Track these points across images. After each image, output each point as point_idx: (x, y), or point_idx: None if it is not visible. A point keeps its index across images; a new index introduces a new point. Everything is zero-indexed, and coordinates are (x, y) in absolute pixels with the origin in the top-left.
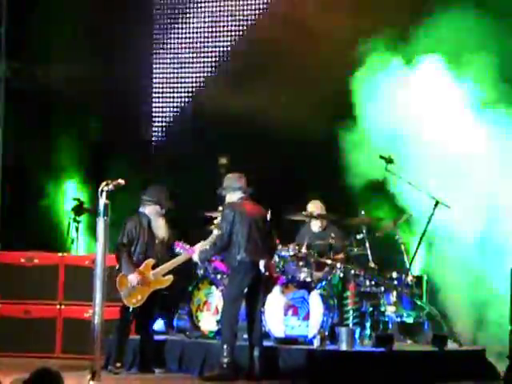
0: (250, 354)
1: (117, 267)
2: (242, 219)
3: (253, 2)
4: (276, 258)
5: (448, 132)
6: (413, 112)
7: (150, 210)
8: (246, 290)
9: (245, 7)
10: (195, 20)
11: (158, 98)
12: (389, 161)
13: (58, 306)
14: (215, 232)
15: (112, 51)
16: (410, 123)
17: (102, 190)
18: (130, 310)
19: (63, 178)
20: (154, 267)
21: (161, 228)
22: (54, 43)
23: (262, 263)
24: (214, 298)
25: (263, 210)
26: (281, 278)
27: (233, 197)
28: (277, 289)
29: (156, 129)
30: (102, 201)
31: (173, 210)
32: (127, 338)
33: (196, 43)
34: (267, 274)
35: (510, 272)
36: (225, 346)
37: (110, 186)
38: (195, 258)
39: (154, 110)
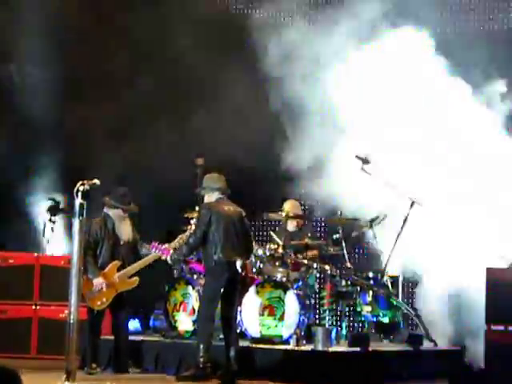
0: (226, 354)
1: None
2: (218, 219)
3: None
4: (252, 258)
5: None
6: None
7: (113, 212)
8: (222, 290)
9: None
10: None
11: None
12: (365, 161)
13: (34, 307)
14: (149, 256)
15: None
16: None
17: (78, 190)
18: (95, 312)
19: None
20: (119, 269)
21: (125, 230)
22: None
23: (238, 263)
24: (191, 299)
25: (240, 211)
26: (257, 279)
27: (211, 197)
28: (252, 289)
29: None
30: (78, 201)
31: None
32: (99, 339)
33: None
34: (243, 274)
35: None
36: (201, 346)
37: (86, 186)
38: (168, 258)
39: None
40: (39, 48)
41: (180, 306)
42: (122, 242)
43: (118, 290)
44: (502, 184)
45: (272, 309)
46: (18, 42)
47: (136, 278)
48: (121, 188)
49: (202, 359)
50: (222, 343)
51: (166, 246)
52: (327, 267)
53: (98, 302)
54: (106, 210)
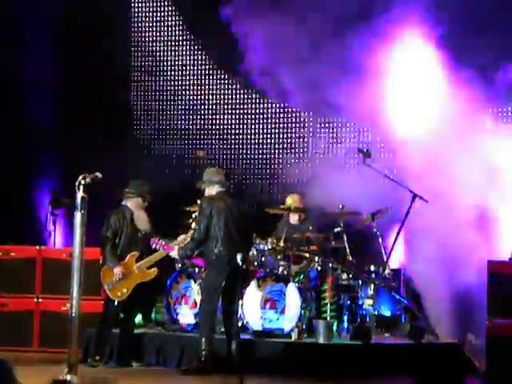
0: (227, 347)
1: (101, 261)
2: (219, 213)
3: None
4: (254, 252)
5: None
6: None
7: (131, 203)
8: (223, 284)
9: None
10: None
11: None
12: (367, 154)
13: (36, 300)
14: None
15: None
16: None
17: (80, 184)
18: (115, 303)
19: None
20: (137, 260)
21: (143, 221)
22: None
23: (239, 257)
24: (192, 292)
25: (241, 204)
26: (258, 272)
27: (212, 190)
28: (254, 282)
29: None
30: (80, 194)
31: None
32: (110, 332)
33: None
34: (244, 267)
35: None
36: (203, 340)
37: (87, 180)
38: (174, 254)
39: None
40: None
41: (182, 299)
42: (140, 234)
43: (138, 281)
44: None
45: (273, 302)
46: None
47: (155, 269)
48: (138, 180)
49: (203, 352)
50: (224, 336)
51: (167, 241)
52: (329, 261)
53: (119, 293)
54: (124, 201)
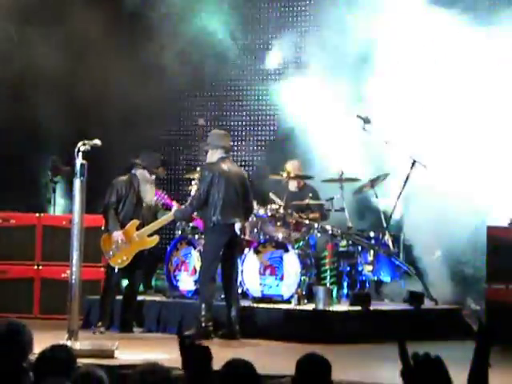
0: (227, 314)
1: (103, 228)
2: (219, 180)
3: None
4: (253, 219)
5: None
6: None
7: (139, 173)
8: (222, 252)
9: None
10: None
11: None
12: (366, 121)
13: (36, 267)
14: (167, 215)
15: None
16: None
17: (79, 150)
18: (116, 270)
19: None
20: (138, 228)
21: (148, 193)
22: None
23: (237, 226)
24: (192, 259)
25: (242, 171)
26: (253, 242)
27: (214, 154)
28: (253, 249)
29: None
30: (79, 161)
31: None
32: (113, 299)
33: None
34: (242, 236)
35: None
36: (202, 306)
37: (87, 146)
38: (171, 213)
39: None
40: None
41: (181, 265)
42: (144, 204)
43: (138, 249)
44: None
45: (273, 268)
46: None
47: (156, 237)
48: (152, 152)
49: (203, 318)
50: (223, 303)
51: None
52: (328, 227)
53: (119, 260)
54: (133, 170)
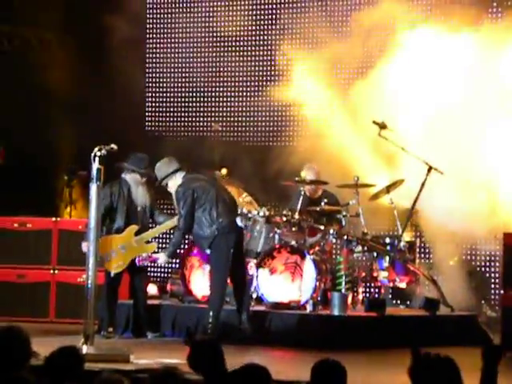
0: (238, 319)
1: None
2: (204, 191)
3: None
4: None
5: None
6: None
7: (130, 177)
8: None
9: None
10: None
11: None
12: (382, 126)
13: (52, 271)
14: (168, 222)
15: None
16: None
17: (95, 155)
18: (112, 275)
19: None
20: (136, 234)
21: (140, 195)
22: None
23: (238, 219)
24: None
25: (213, 172)
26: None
27: (177, 179)
28: (267, 256)
29: None
30: (95, 166)
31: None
32: (116, 303)
33: None
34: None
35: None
36: (210, 313)
37: (103, 151)
38: (162, 261)
39: None
40: None
41: (197, 270)
42: (139, 208)
43: (136, 254)
44: None
45: (288, 274)
46: None
47: (154, 244)
48: (138, 154)
49: (209, 326)
50: (234, 307)
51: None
52: (344, 233)
53: (115, 265)
54: (123, 174)
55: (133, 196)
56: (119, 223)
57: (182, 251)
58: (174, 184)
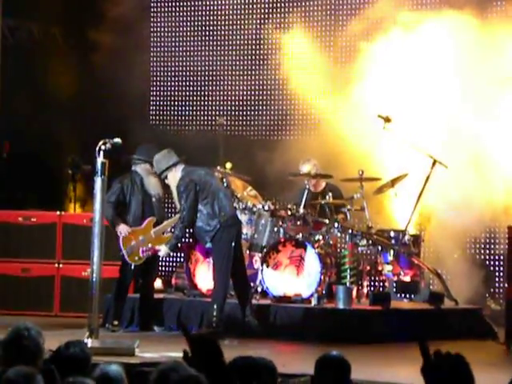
0: (242, 313)
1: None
2: (205, 183)
3: None
4: (271, 217)
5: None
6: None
7: (140, 168)
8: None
9: None
10: None
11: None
12: (387, 120)
13: (56, 265)
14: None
15: None
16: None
17: (100, 149)
18: (132, 267)
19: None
20: (154, 225)
21: (153, 185)
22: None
23: (238, 212)
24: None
25: (208, 167)
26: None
27: (177, 172)
28: (272, 250)
29: None
30: (100, 160)
31: None
32: (125, 296)
33: None
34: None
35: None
36: (214, 306)
37: (108, 145)
38: (164, 252)
39: None
40: None
41: (201, 264)
42: (153, 199)
43: (155, 246)
44: None
45: (293, 267)
46: None
47: (170, 235)
48: (145, 144)
49: (214, 319)
50: (236, 301)
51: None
52: (349, 226)
53: (136, 258)
54: (133, 167)
55: (146, 186)
56: (136, 215)
57: (182, 245)
58: (173, 177)
